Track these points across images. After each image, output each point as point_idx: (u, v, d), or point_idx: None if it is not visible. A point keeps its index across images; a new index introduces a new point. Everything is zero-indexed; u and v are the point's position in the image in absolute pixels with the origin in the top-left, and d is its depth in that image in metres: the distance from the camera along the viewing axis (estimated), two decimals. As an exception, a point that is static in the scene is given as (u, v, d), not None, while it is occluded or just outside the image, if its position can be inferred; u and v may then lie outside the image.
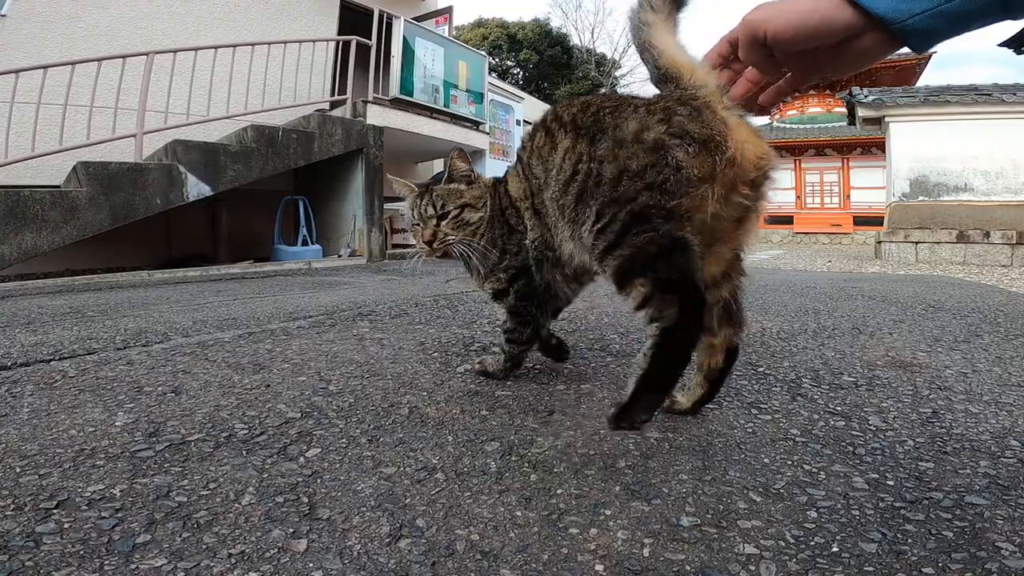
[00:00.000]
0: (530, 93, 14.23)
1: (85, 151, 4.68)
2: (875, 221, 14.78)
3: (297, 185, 6.82)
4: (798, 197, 20.18)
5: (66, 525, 0.71)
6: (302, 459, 0.90)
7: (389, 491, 0.80)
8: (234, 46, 5.68)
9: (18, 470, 0.87)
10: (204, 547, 0.67)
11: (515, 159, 1.27)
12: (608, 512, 0.76)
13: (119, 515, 0.73)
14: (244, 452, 0.92)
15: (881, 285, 3.86)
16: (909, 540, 0.71)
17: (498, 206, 1.27)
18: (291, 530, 0.70)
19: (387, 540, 0.68)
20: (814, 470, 0.90)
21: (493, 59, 20.40)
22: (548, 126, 1.11)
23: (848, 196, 19.50)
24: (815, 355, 1.66)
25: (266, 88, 5.86)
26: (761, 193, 0.96)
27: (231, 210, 6.47)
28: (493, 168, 8.68)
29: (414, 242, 1.28)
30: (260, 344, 1.69)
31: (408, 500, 0.78)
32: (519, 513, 0.75)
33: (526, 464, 0.89)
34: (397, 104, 6.76)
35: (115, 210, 4.49)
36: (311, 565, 0.63)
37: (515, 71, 22.27)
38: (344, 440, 0.97)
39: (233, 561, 0.64)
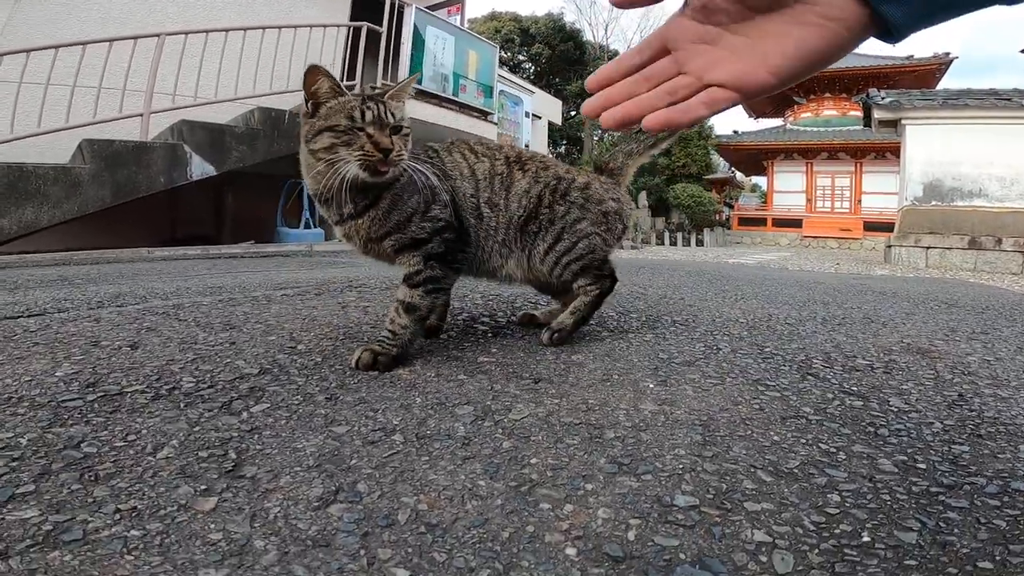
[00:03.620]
0: (541, 87, 14.06)
1: (91, 130, 4.62)
2: (886, 227, 14.50)
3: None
4: (808, 200, 19.92)
5: (-46, 473, 0.61)
6: (245, 414, 0.80)
7: (335, 451, 0.70)
8: (245, 29, 5.60)
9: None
10: (90, 501, 0.58)
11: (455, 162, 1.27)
12: (589, 487, 0.65)
13: (13, 464, 0.64)
14: (183, 405, 0.82)
15: (891, 284, 3.71)
16: (955, 530, 0.59)
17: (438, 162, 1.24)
18: (203, 487, 0.60)
19: (316, 504, 0.58)
20: (832, 450, 0.79)
21: (505, 53, 20.24)
22: (495, 160, 1.30)
23: (860, 201, 19.22)
24: (826, 339, 1.54)
25: (275, 72, 5.77)
26: None
27: (236, 193, 6.40)
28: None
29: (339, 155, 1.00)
30: (238, 308, 1.60)
31: (355, 462, 0.67)
32: (483, 483, 0.64)
33: (500, 431, 0.79)
34: (406, 91, 6.65)
35: (118, 187, 4.43)
36: (212, 526, 0.53)
37: (527, 65, 22.08)
38: (299, 397, 0.87)
39: (117, 517, 0.55)
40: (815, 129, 20.21)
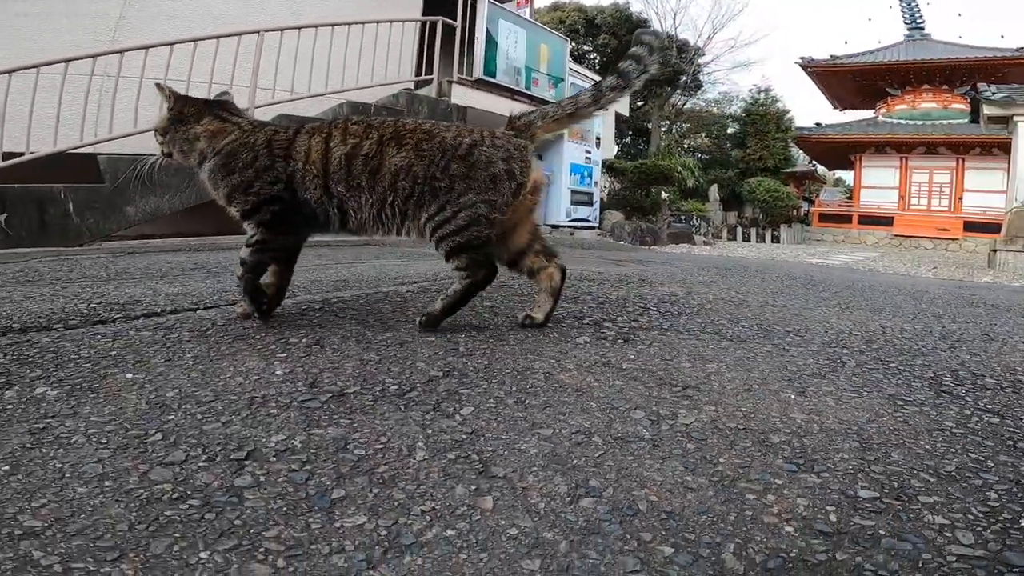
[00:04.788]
0: (609, 77, 13.89)
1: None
2: (990, 228, 13.52)
3: (383, 162, 7.02)
4: (901, 197, 18.84)
5: (262, 478, 0.70)
6: (458, 417, 0.93)
7: (552, 452, 0.82)
8: (332, 25, 5.89)
9: (199, 417, 0.87)
10: (396, 504, 0.66)
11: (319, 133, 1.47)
12: (779, 482, 0.76)
13: (308, 468, 0.73)
14: (402, 407, 0.95)
15: (1002, 295, 3.57)
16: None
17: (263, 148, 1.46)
18: (473, 487, 0.71)
19: (568, 499, 0.70)
20: (980, 458, 0.88)
21: (570, 43, 20.11)
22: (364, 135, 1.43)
23: (960, 199, 18.01)
24: (949, 356, 1.57)
25: (360, 66, 6.05)
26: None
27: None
28: (571, 152, 8.63)
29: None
30: (379, 304, 1.77)
31: (575, 461, 0.80)
32: (688, 478, 0.76)
33: (678, 434, 0.90)
34: (480, 85, 6.81)
35: (228, 177, 4.81)
36: (503, 523, 0.64)
37: (592, 56, 21.76)
38: (492, 400, 1.01)
39: (428, 519, 0.64)
40: (911, 122, 19.02)
